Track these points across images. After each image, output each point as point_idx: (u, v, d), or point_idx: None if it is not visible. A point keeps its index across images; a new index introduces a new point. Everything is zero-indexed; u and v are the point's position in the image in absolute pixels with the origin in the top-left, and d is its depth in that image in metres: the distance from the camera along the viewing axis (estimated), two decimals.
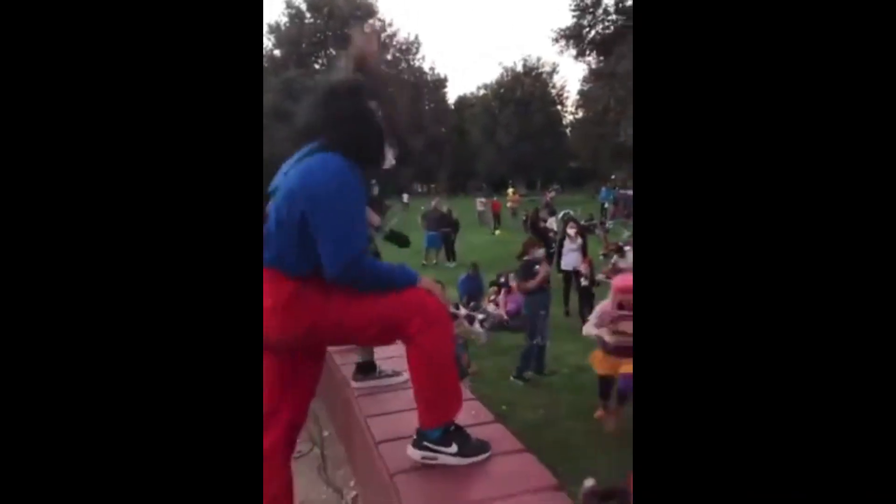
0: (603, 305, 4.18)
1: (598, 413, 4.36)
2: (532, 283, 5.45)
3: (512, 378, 5.43)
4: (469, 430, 1.87)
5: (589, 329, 4.20)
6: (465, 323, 4.35)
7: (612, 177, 30.13)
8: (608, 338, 3.96)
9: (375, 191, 1.82)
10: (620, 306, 3.88)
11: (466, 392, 2.43)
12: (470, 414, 2.04)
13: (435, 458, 1.68)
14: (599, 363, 4.19)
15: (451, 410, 1.72)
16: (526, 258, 5.69)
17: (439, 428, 1.69)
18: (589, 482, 1.73)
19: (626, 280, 4.06)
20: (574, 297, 7.75)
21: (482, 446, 1.75)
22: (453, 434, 1.71)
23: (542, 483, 1.61)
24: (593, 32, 20.17)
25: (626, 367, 3.90)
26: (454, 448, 1.70)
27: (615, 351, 3.93)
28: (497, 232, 17.92)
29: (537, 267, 5.50)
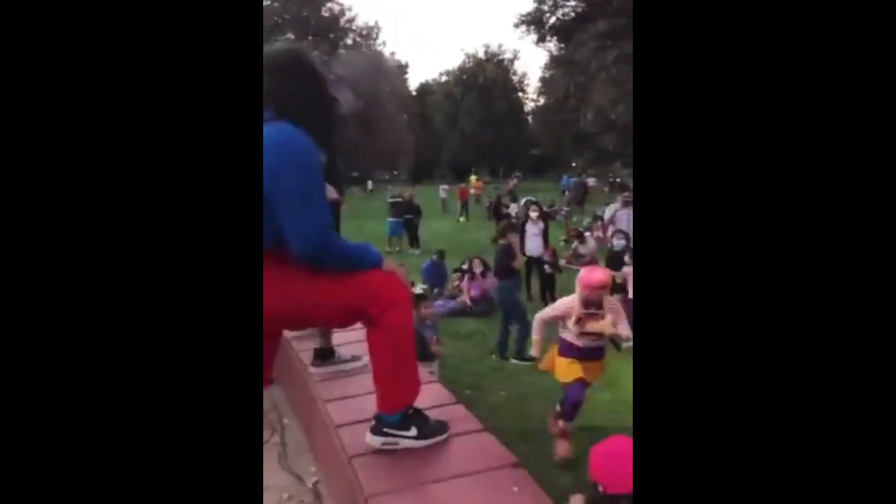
0: (565, 304, 3.55)
1: (560, 442, 3.60)
2: (517, 263, 5.52)
3: (513, 360, 5.47)
4: (430, 412, 1.88)
5: (535, 326, 3.69)
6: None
7: (574, 164, 30.50)
8: (576, 341, 3.46)
9: (322, 158, 1.77)
10: (587, 304, 3.40)
11: (427, 375, 2.43)
12: (431, 396, 2.04)
13: (396, 444, 1.68)
14: (565, 371, 3.58)
15: (411, 394, 1.71)
16: (502, 242, 5.72)
17: (399, 412, 1.69)
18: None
19: (592, 275, 3.49)
20: (535, 283, 7.85)
21: (441, 427, 1.75)
22: (412, 417, 1.71)
23: (502, 461, 1.62)
24: (553, 18, 20.27)
25: (589, 373, 3.52)
26: (413, 431, 1.69)
27: (583, 355, 3.49)
28: (462, 219, 17.96)
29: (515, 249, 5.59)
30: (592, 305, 3.39)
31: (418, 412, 1.73)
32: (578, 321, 3.39)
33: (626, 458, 1.43)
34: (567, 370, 3.54)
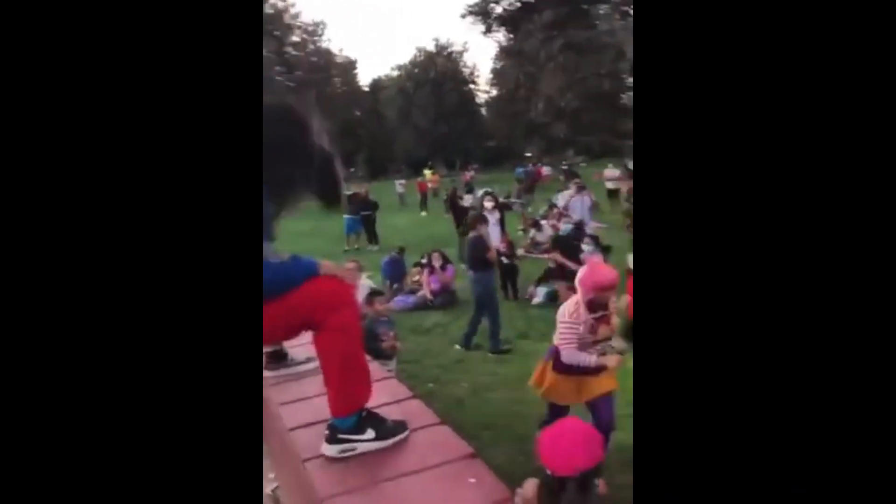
0: (568, 316, 2.82)
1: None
2: (490, 255, 5.48)
3: (490, 353, 5.43)
4: (387, 408, 1.86)
5: (574, 357, 2.80)
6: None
7: (528, 154, 30.77)
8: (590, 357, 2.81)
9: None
10: (593, 307, 2.78)
11: (382, 371, 2.41)
12: (387, 393, 2.02)
13: (353, 449, 1.64)
14: (563, 392, 2.91)
15: (363, 395, 1.68)
16: (473, 234, 5.65)
17: (352, 415, 1.65)
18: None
19: (600, 274, 2.80)
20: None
21: (399, 427, 1.73)
22: (367, 419, 1.67)
23: (458, 453, 1.62)
24: (500, 8, 20.34)
25: (603, 385, 2.82)
26: (371, 434, 1.66)
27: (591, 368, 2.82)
28: (423, 213, 17.93)
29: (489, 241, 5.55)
30: (599, 308, 2.78)
31: (373, 414, 1.70)
32: (592, 330, 2.79)
33: (572, 441, 1.43)
34: (565, 392, 2.87)
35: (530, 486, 1.52)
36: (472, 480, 1.44)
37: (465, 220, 6.15)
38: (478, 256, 5.51)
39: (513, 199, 13.13)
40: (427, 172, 23.56)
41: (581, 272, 2.89)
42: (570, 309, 2.85)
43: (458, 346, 5.56)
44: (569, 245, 6.63)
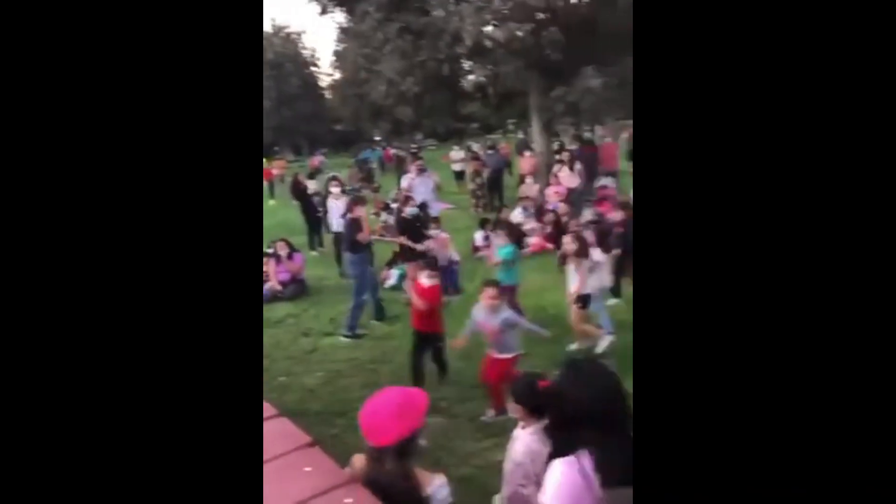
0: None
1: None
2: (362, 237, 5.47)
3: (342, 337, 5.33)
4: None
5: None
6: None
7: (377, 138, 30.63)
8: None
9: None
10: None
11: None
12: None
13: None
14: None
15: None
16: (349, 216, 5.67)
17: None
18: None
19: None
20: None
21: None
22: None
23: (296, 443, 1.60)
24: None
25: None
26: None
27: None
28: (272, 202, 17.10)
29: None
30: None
31: None
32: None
33: (388, 412, 1.48)
34: None
35: (357, 460, 1.55)
36: (308, 469, 1.44)
37: (348, 202, 6.16)
38: (354, 238, 5.55)
39: (348, 187, 13.01)
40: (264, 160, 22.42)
41: None
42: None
43: (342, 338, 5.39)
44: (412, 227, 6.77)
